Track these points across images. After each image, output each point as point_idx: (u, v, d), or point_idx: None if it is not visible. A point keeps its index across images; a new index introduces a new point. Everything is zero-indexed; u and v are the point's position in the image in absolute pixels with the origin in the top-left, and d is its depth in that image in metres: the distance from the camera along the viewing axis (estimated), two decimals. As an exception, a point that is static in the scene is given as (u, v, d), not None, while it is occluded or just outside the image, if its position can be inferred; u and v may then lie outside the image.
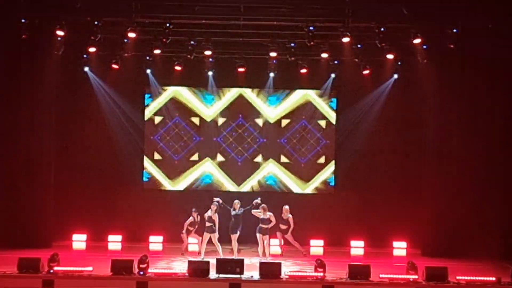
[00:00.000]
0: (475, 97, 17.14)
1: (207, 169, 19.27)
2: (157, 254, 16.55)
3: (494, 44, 16.53)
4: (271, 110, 19.32)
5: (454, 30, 16.11)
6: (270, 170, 19.29)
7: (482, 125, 17.21)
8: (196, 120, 19.34)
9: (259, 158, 19.29)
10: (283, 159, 19.27)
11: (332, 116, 19.28)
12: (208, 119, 19.34)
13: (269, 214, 15.89)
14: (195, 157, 19.28)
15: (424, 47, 16.82)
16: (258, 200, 16.26)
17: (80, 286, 12.80)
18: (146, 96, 19.30)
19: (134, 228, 18.53)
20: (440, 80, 17.22)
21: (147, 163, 19.23)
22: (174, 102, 19.34)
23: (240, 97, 19.37)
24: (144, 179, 19.21)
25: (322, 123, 19.30)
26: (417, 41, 16.38)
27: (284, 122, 19.34)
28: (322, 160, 19.24)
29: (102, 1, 16.06)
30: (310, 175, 19.25)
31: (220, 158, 19.28)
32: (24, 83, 17.26)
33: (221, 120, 19.35)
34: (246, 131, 19.33)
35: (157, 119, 19.33)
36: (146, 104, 19.30)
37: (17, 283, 12.73)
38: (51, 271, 13.01)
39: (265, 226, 15.84)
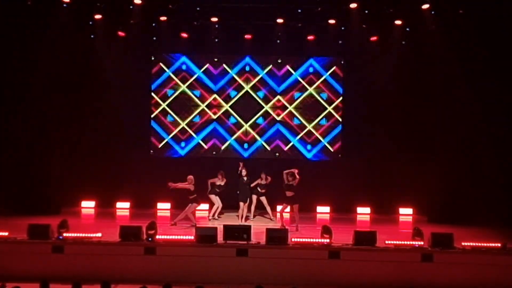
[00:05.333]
0: (484, 62, 16.97)
1: (214, 136, 19.30)
2: (165, 221, 16.74)
3: (504, 9, 16.28)
4: (278, 77, 19.23)
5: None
6: (277, 137, 19.29)
7: (491, 90, 17.05)
8: (203, 88, 19.30)
9: (265, 125, 19.29)
10: (290, 126, 19.26)
11: (339, 83, 19.19)
12: (215, 87, 19.29)
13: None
14: (202, 125, 19.31)
15: (433, 12, 16.62)
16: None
17: (89, 252, 12.96)
18: (153, 63, 19.24)
19: (142, 195, 18.71)
20: (448, 46, 17.04)
21: (154, 130, 19.28)
22: (181, 69, 19.28)
23: (247, 65, 19.26)
24: (151, 146, 19.28)
25: (329, 90, 19.22)
26: (425, 6, 16.16)
27: (291, 89, 19.27)
28: (328, 126, 19.22)
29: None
30: (317, 141, 19.24)
31: (227, 124, 19.30)
32: (29, 51, 17.22)
33: (228, 87, 19.30)
34: (252, 98, 19.28)
35: (164, 87, 19.29)
36: (152, 71, 19.25)
37: (28, 249, 12.91)
38: (61, 237, 13.17)
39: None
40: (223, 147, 19.18)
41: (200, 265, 12.82)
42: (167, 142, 19.30)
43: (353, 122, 19.07)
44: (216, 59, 19.17)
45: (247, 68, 19.26)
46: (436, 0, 16.26)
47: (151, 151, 19.29)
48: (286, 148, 19.24)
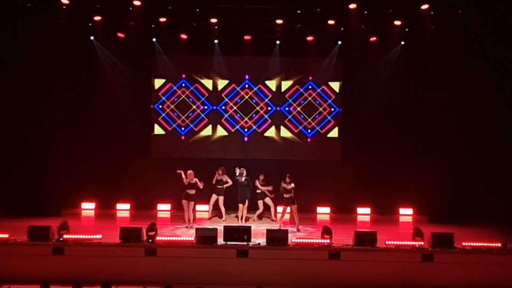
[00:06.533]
0: (483, 62, 16.97)
1: (215, 137, 19.29)
2: (165, 222, 16.73)
3: (502, 9, 16.27)
4: (277, 78, 19.22)
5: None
6: (276, 137, 19.27)
7: (490, 90, 17.07)
8: (203, 89, 19.28)
9: (265, 126, 19.28)
10: (289, 127, 19.25)
11: (338, 84, 19.17)
12: (219, 86, 19.26)
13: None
14: (203, 127, 19.29)
15: (432, 12, 16.61)
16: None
17: (89, 253, 12.94)
18: (152, 64, 19.21)
19: (142, 196, 18.70)
20: (448, 46, 17.03)
21: (154, 132, 19.26)
22: (181, 70, 19.24)
23: (247, 65, 19.24)
24: (151, 147, 19.27)
25: (328, 90, 19.21)
26: (424, 6, 16.15)
27: (291, 89, 19.25)
28: (329, 125, 19.19)
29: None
30: (317, 141, 19.21)
31: (226, 125, 19.29)
32: (29, 52, 17.20)
33: (225, 86, 19.28)
34: (253, 99, 19.26)
35: (164, 88, 19.28)
36: (152, 72, 19.22)
37: (28, 251, 12.88)
38: (61, 239, 13.15)
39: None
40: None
41: (200, 266, 12.81)
42: (167, 143, 19.31)
43: (353, 122, 19.04)
44: (216, 61, 19.18)
45: (247, 69, 19.25)
46: (435, 0, 16.25)
47: (151, 153, 19.29)
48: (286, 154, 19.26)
